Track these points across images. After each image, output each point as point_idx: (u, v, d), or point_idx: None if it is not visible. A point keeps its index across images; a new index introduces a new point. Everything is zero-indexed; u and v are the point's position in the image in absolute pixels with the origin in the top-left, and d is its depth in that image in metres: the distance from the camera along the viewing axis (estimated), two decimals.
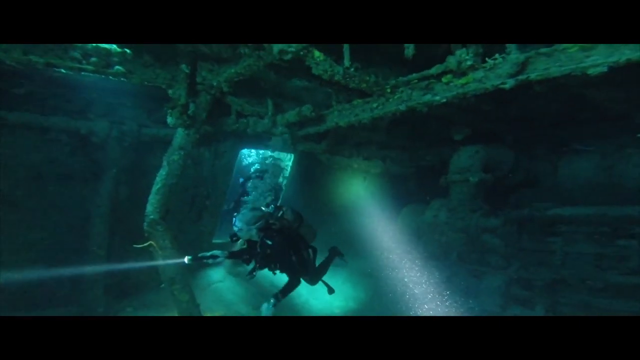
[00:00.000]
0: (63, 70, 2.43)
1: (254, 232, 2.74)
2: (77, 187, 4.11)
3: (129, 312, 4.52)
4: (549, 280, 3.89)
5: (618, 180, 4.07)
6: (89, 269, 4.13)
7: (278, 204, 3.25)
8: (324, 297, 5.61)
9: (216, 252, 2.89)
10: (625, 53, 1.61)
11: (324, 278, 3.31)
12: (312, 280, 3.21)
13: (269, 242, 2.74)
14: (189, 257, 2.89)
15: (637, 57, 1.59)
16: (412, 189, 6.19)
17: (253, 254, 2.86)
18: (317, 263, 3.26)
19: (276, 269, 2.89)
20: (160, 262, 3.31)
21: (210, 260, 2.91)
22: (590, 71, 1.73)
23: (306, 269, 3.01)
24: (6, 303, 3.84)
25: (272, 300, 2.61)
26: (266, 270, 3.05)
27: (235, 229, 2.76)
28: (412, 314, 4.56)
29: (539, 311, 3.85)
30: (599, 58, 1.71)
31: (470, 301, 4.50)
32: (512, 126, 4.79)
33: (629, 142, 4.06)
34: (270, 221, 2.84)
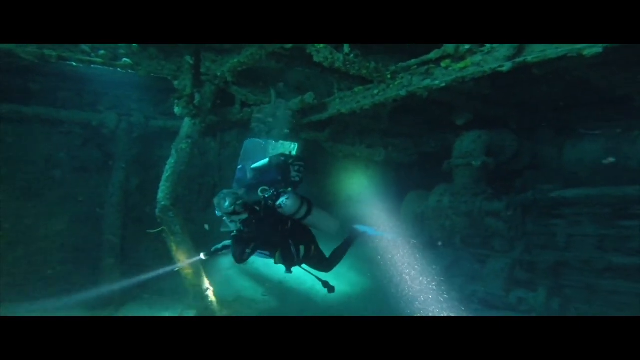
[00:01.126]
0: (74, 63, 2.54)
1: (225, 218, 2.67)
2: (91, 178, 4.29)
3: (145, 299, 4.74)
4: (552, 262, 3.95)
5: (624, 162, 4.05)
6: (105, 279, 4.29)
7: (288, 190, 2.99)
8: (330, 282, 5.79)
9: (226, 242, 2.97)
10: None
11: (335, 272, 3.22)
12: (325, 269, 3.17)
13: (244, 229, 2.66)
14: (205, 253, 3.01)
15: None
16: (416, 176, 6.23)
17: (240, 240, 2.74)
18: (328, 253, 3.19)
19: (271, 257, 2.84)
20: (178, 264, 3.48)
21: (224, 251, 3.01)
22: (586, 52, 1.74)
23: (308, 262, 2.94)
24: (29, 289, 4.08)
25: None
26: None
27: (218, 214, 2.69)
28: (414, 300, 4.69)
29: (541, 293, 3.93)
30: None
31: (475, 285, 4.60)
32: (516, 111, 4.76)
33: (634, 124, 4.02)
34: (257, 208, 2.75)
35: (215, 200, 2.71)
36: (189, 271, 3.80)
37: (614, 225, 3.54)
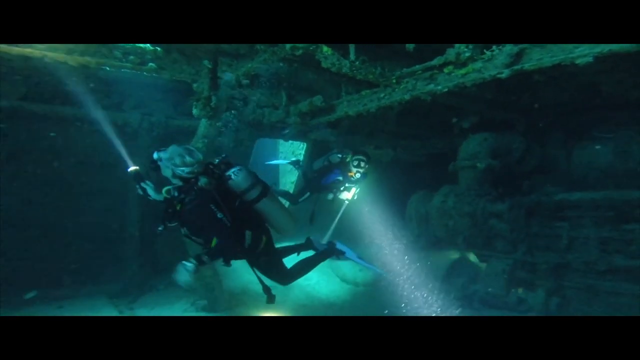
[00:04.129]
0: (107, 68, 2.80)
1: (169, 172, 2.13)
2: (116, 174, 4.61)
3: (160, 289, 5.04)
4: (554, 263, 3.99)
5: (633, 165, 4.04)
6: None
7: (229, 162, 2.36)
8: (334, 280, 5.93)
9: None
10: (608, 44, 1.72)
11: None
12: (281, 279, 2.59)
13: (179, 196, 2.11)
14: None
15: (619, 48, 1.69)
16: (424, 177, 6.30)
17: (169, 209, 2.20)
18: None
19: (204, 244, 2.22)
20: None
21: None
22: (578, 61, 1.85)
23: (256, 260, 2.41)
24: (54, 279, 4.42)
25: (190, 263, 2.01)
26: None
27: (155, 155, 2.14)
28: (413, 297, 4.78)
29: (540, 293, 3.99)
30: (585, 49, 1.82)
31: (476, 285, 4.67)
32: (524, 114, 4.79)
33: None
34: (201, 175, 2.15)
35: (176, 152, 2.15)
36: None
37: (617, 229, 3.56)
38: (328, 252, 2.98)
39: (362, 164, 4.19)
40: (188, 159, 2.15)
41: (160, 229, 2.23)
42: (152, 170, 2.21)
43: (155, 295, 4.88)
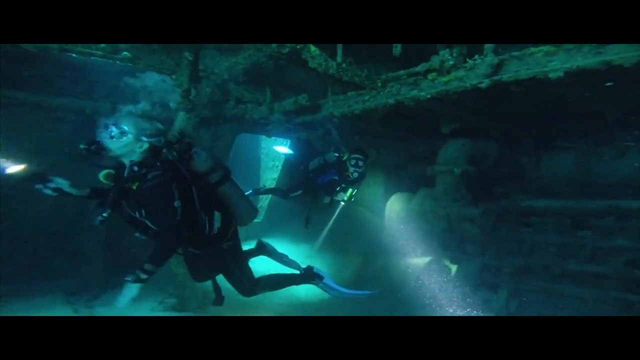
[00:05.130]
0: (74, 55, 2.59)
1: (133, 146, 1.88)
2: (81, 164, 4.31)
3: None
4: (517, 266, 4.27)
5: (591, 176, 4.37)
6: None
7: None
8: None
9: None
10: (577, 60, 1.84)
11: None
12: (243, 287, 2.33)
13: (145, 171, 1.85)
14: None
15: (585, 64, 1.82)
16: (406, 178, 6.45)
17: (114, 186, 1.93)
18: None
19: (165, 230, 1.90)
20: None
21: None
22: (551, 75, 1.96)
23: (222, 256, 2.20)
24: (10, 274, 4.08)
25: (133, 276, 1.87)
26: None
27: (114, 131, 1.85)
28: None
29: (502, 295, 4.26)
30: (557, 63, 1.93)
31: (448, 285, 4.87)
32: (500, 122, 5.02)
33: (603, 140, 4.33)
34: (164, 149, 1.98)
35: (139, 121, 1.93)
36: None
37: (573, 235, 3.88)
38: (306, 277, 2.72)
39: (360, 163, 3.97)
40: (158, 125, 1.98)
41: (103, 216, 1.89)
42: (91, 153, 1.88)
43: (119, 292, 4.61)
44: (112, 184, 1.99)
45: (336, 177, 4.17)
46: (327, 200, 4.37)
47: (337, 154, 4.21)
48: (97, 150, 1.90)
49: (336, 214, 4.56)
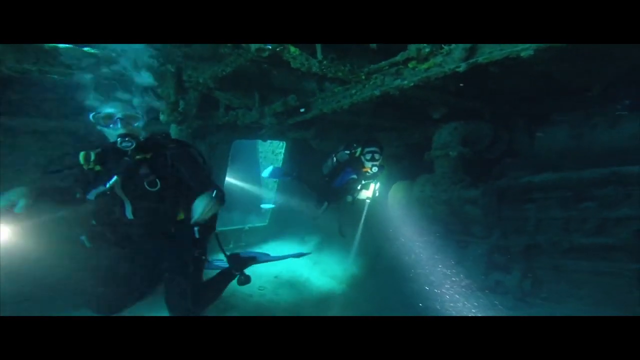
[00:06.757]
0: (55, 77, 2.62)
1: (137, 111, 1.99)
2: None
3: None
4: (524, 245, 4.24)
5: (587, 146, 4.35)
6: None
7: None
8: (330, 267, 5.95)
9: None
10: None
11: None
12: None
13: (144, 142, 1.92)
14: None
15: (552, 45, 1.83)
16: (405, 167, 6.46)
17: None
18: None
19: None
20: None
21: None
22: (523, 54, 1.99)
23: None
24: None
25: None
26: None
27: (113, 109, 1.93)
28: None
29: (515, 275, 4.23)
30: (527, 43, 1.96)
31: (458, 269, 4.89)
32: (489, 102, 5.02)
33: (595, 112, 4.31)
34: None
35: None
36: None
37: (576, 208, 3.82)
38: (233, 269, 2.43)
39: (377, 156, 3.74)
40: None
41: (105, 187, 1.87)
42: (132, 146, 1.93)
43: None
44: (95, 166, 1.98)
45: (354, 176, 3.92)
46: (349, 199, 4.12)
47: (348, 151, 4.02)
48: (131, 140, 1.95)
49: (365, 213, 4.38)
